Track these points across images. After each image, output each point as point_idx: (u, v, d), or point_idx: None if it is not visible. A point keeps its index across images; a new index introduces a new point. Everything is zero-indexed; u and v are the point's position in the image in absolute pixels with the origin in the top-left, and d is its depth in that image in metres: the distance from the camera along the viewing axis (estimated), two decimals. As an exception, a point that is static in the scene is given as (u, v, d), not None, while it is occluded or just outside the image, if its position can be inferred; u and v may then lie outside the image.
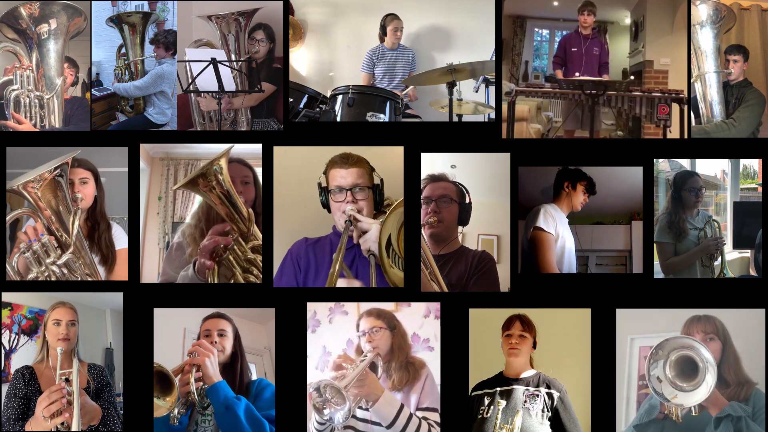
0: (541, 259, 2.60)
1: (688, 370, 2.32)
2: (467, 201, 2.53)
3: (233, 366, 2.51)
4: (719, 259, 2.63)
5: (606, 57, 3.09)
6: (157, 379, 2.39)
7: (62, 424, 2.37)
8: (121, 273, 2.64)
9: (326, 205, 2.52)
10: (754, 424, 2.35)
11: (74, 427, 2.37)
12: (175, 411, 2.38)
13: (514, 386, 2.44)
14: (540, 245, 2.60)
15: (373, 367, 2.36)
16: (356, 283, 2.42)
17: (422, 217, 2.53)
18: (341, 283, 2.38)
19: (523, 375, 2.46)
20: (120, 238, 2.66)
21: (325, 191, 2.50)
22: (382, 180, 2.50)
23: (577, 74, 2.97)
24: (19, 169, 2.62)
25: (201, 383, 2.37)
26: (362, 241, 2.39)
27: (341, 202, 2.44)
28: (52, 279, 2.53)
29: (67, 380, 2.42)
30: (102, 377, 2.56)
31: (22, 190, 2.45)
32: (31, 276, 2.51)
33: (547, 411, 2.38)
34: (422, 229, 2.49)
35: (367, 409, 2.32)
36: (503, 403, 2.43)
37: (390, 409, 2.28)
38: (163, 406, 2.38)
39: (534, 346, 2.49)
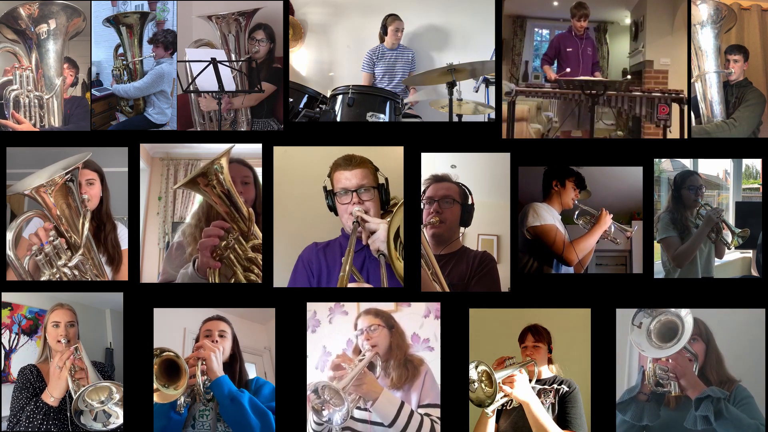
0: (557, 247, 2.61)
1: (668, 335, 2.40)
2: (470, 202, 2.53)
3: (232, 366, 2.52)
4: (726, 229, 2.65)
5: (597, 56, 3.10)
6: (166, 367, 2.41)
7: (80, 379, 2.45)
8: (126, 273, 2.64)
9: (333, 208, 2.51)
10: (733, 407, 2.38)
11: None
12: (181, 399, 2.42)
13: (531, 385, 2.44)
14: (547, 237, 2.61)
15: (371, 366, 2.36)
16: (367, 287, 2.41)
17: (424, 217, 2.53)
18: (352, 287, 2.37)
19: (542, 377, 2.46)
20: (125, 239, 2.67)
21: (330, 194, 2.50)
22: (387, 179, 2.49)
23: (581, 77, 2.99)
24: (19, 169, 2.62)
25: (205, 377, 2.41)
26: (371, 242, 2.39)
27: (348, 204, 2.44)
28: (63, 280, 2.53)
29: (76, 349, 2.50)
30: (103, 373, 2.58)
31: (35, 194, 2.44)
32: (43, 278, 2.51)
33: (556, 405, 2.39)
34: (424, 230, 2.49)
35: (366, 410, 2.32)
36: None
37: (390, 408, 2.28)
38: (171, 394, 2.41)
39: (550, 351, 2.50)
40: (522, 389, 2.35)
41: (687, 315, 2.39)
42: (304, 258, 2.54)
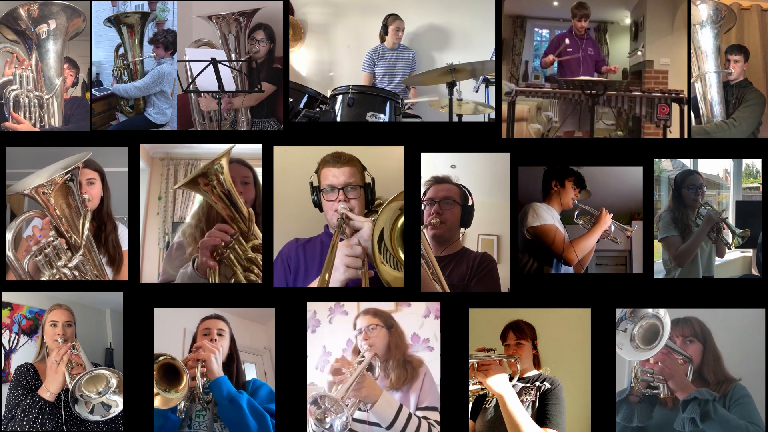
0: (557, 247, 2.61)
1: (652, 338, 2.40)
2: (470, 203, 2.53)
3: (230, 366, 2.52)
4: (726, 229, 2.65)
5: (600, 55, 3.10)
6: (164, 372, 2.41)
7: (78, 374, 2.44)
8: (127, 274, 2.64)
9: (318, 205, 2.52)
10: (723, 409, 2.38)
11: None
12: (182, 404, 2.42)
13: (513, 383, 2.44)
14: (547, 237, 2.61)
15: (370, 367, 2.36)
16: (355, 239, 2.34)
17: (425, 218, 2.53)
18: (343, 245, 2.33)
19: (526, 375, 2.46)
20: (126, 239, 2.66)
21: (317, 191, 2.50)
22: (373, 179, 2.50)
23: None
24: (19, 169, 2.62)
25: (205, 378, 2.41)
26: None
27: (333, 201, 2.44)
28: (64, 281, 2.52)
29: (74, 346, 2.50)
30: None
31: (35, 194, 2.43)
32: (42, 279, 2.51)
33: (536, 402, 2.39)
34: (425, 230, 2.49)
35: (366, 411, 2.32)
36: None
37: (389, 410, 2.28)
38: (173, 398, 2.41)
39: (534, 348, 2.50)
40: (498, 381, 2.34)
41: (665, 316, 2.40)
42: (284, 253, 2.54)
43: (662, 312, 2.41)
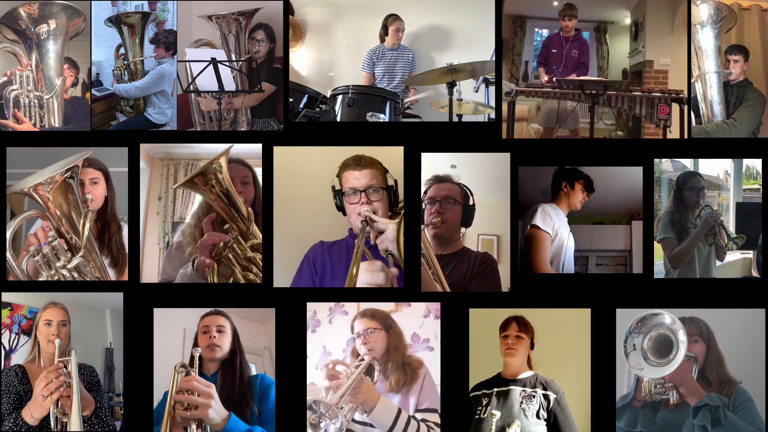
0: (535, 257, 2.60)
1: (664, 349, 2.37)
2: (471, 203, 2.53)
3: (232, 362, 2.50)
4: (723, 233, 2.64)
5: (584, 57, 3.09)
6: None
7: (63, 414, 2.38)
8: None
9: (341, 208, 2.52)
10: (732, 414, 2.37)
11: (73, 414, 2.37)
12: None
13: (511, 387, 2.45)
14: (535, 243, 2.60)
15: (369, 370, 2.35)
16: (378, 264, 2.34)
17: (426, 217, 2.53)
18: (364, 268, 2.31)
19: (521, 376, 2.47)
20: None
21: (339, 194, 2.50)
22: (396, 181, 2.50)
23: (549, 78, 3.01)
24: (19, 169, 2.62)
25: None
26: (379, 241, 2.39)
27: (356, 204, 2.44)
28: (63, 280, 2.51)
29: (65, 366, 2.42)
30: (92, 377, 2.56)
31: (33, 192, 2.42)
32: (40, 279, 2.49)
33: (543, 412, 2.38)
34: (426, 230, 2.49)
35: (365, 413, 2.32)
36: (499, 404, 2.43)
37: (387, 416, 2.27)
38: None
39: (532, 347, 2.49)
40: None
41: (676, 324, 2.38)
42: (310, 256, 2.55)
43: (666, 317, 2.40)
